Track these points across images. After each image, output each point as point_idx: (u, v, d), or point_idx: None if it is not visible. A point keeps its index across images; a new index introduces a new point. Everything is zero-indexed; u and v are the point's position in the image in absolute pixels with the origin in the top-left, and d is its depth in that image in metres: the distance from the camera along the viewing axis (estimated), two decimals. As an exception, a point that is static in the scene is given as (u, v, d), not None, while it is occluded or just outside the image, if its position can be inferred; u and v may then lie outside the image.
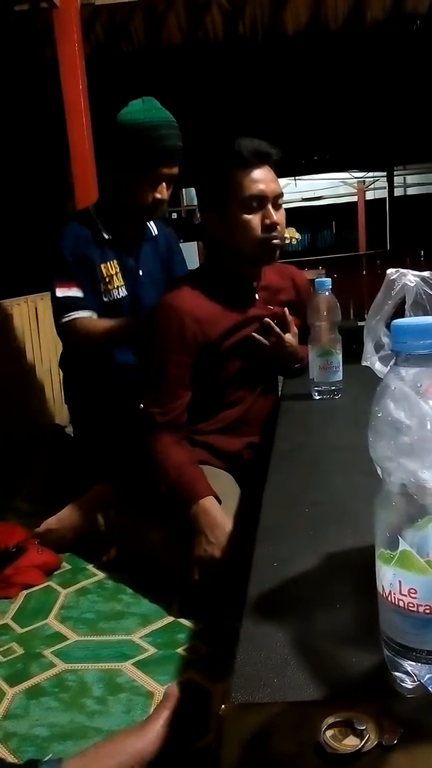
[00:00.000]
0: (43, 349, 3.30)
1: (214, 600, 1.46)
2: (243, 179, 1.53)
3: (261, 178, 1.54)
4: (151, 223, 2.14)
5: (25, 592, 1.68)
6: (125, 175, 1.90)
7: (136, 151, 1.84)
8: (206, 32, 3.73)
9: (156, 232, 2.15)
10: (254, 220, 1.55)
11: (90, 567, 1.78)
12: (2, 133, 4.78)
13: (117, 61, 3.87)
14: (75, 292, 1.95)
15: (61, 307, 1.96)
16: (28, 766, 0.78)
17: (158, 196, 1.91)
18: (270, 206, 1.55)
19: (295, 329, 1.71)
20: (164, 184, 1.92)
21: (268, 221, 1.55)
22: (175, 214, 9.52)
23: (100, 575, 1.73)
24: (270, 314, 1.68)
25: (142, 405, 1.60)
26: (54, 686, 1.28)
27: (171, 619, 1.48)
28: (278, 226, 1.57)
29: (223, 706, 0.52)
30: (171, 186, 1.95)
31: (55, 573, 1.77)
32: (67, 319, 1.95)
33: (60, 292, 1.95)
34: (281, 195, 1.59)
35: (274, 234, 1.57)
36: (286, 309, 1.70)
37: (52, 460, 2.32)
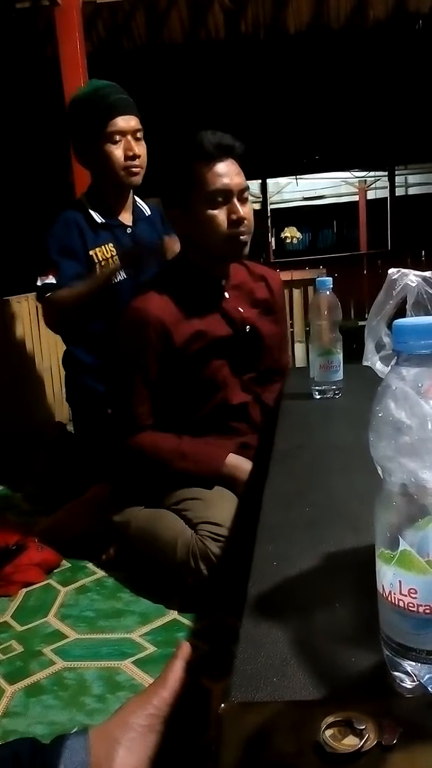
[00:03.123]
0: (43, 347, 3.30)
1: (214, 597, 1.46)
2: (206, 173, 1.49)
3: (225, 171, 1.49)
4: (143, 203, 2.15)
5: (24, 590, 1.68)
6: (92, 146, 1.95)
7: (88, 115, 1.91)
8: (208, 31, 3.73)
9: (149, 212, 2.16)
10: (220, 215, 1.50)
11: (90, 565, 1.78)
12: (3, 132, 4.78)
13: (118, 59, 3.87)
14: (50, 279, 1.98)
15: (39, 293, 2.00)
16: (56, 742, 0.78)
17: (129, 152, 1.94)
18: (236, 200, 1.51)
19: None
20: (129, 138, 1.95)
21: (234, 216, 1.50)
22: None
23: (100, 573, 1.73)
24: (240, 317, 1.65)
25: (109, 410, 1.59)
26: (53, 684, 1.28)
27: (170, 617, 1.48)
28: (245, 221, 1.52)
29: (222, 705, 0.52)
30: (140, 143, 1.98)
31: (55, 571, 1.77)
32: (41, 301, 2.01)
33: (39, 282, 2.00)
34: (247, 188, 1.55)
35: (242, 229, 1.52)
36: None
37: (52, 459, 2.32)
